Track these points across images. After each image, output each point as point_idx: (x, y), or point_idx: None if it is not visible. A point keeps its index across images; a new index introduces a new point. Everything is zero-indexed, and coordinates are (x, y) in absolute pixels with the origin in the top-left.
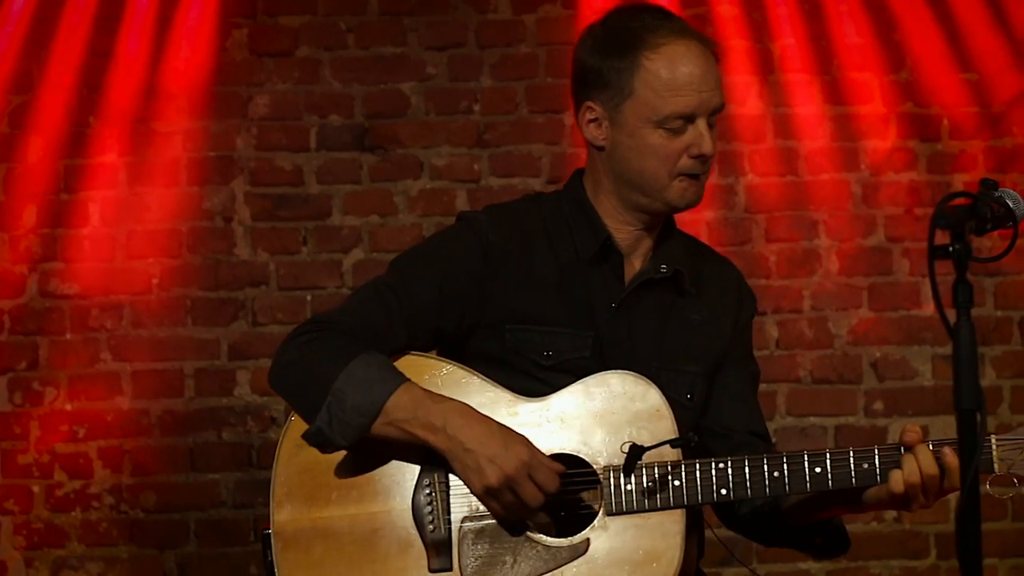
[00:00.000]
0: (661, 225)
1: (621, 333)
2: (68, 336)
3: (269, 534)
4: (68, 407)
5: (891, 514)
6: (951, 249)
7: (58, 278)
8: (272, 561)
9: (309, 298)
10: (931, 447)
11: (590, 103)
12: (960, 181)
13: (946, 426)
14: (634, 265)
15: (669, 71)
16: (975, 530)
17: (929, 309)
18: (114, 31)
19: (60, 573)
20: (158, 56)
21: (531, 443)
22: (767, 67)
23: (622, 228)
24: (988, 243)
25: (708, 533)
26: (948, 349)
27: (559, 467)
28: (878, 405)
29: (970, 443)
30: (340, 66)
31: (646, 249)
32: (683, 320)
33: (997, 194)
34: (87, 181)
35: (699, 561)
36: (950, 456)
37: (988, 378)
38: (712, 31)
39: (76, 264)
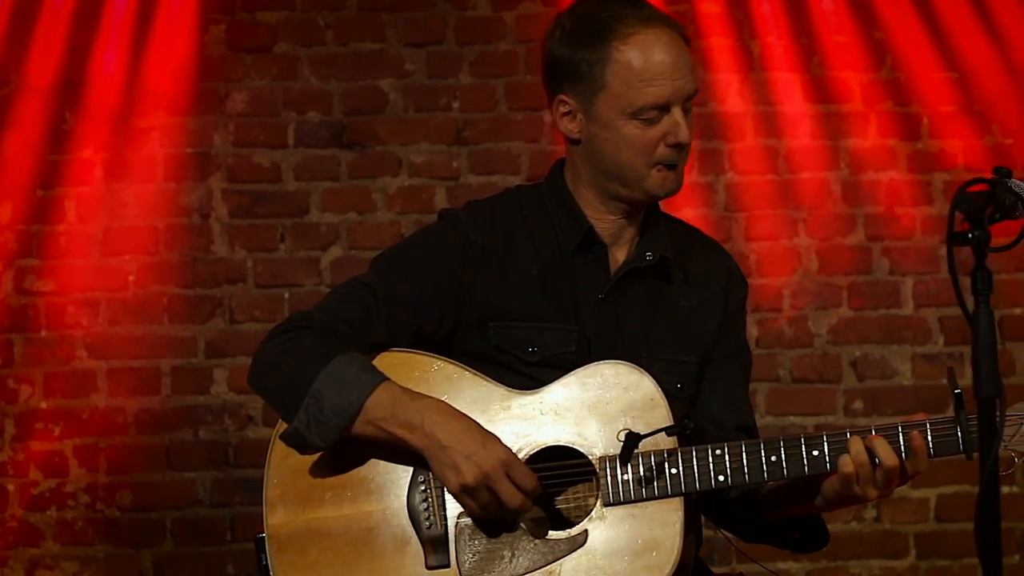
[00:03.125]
0: (644, 212)
1: (609, 325)
2: (44, 333)
3: (263, 537)
4: (43, 405)
5: (871, 514)
6: (971, 236)
7: (34, 275)
8: (266, 565)
9: (287, 295)
10: (900, 430)
11: (563, 96)
12: (940, 180)
13: None
14: (619, 255)
15: (641, 61)
16: (994, 517)
17: (909, 308)
18: (93, 27)
19: (35, 572)
20: (138, 52)
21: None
22: (749, 65)
23: (604, 218)
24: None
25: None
26: (928, 348)
27: (532, 477)
28: (858, 404)
29: (990, 430)
30: (318, 62)
31: (630, 237)
32: (672, 308)
33: (1010, 183)
34: (64, 177)
35: (697, 551)
36: (917, 439)
37: (968, 378)
38: (695, 29)
39: (52, 261)
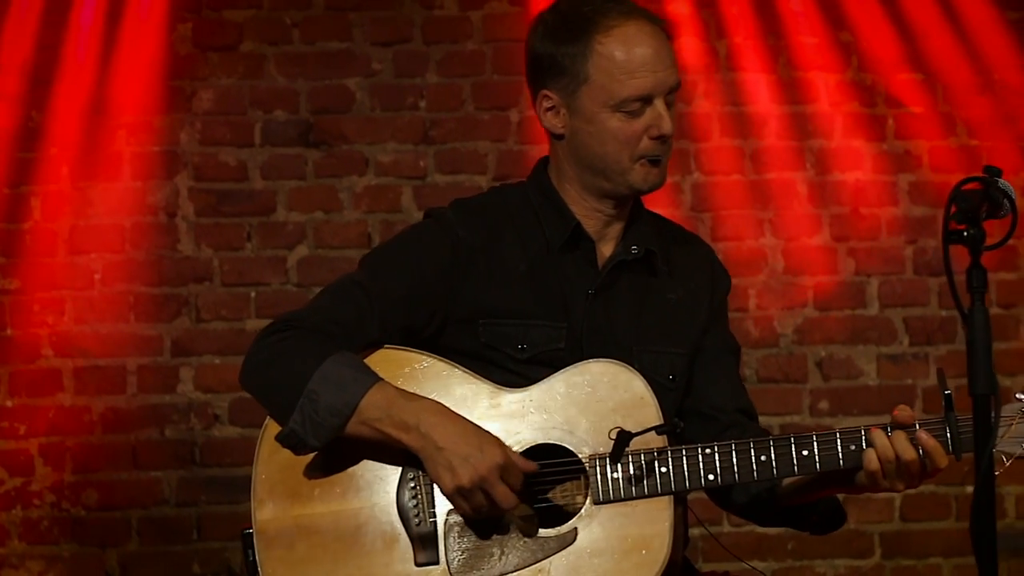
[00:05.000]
0: (630, 207)
1: (599, 319)
2: (9, 332)
3: (251, 533)
4: (9, 403)
5: None
6: (966, 234)
7: None
8: (254, 560)
9: (253, 294)
10: (917, 428)
11: (546, 92)
12: (906, 181)
13: None
14: (605, 250)
15: (623, 53)
16: (990, 515)
17: (874, 309)
18: (61, 25)
19: (0, 571)
20: (106, 51)
21: (505, 445)
22: (716, 65)
23: (590, 214)
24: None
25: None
26: (893, 348)
27: (532, 467)
28: (823, 404)
29: (985, 427)
30: (285, 61)
31: (616, 233)
32: (660, 300)
33: (1000, 182)
34: (29, 176)
35: (685, 549)
36: (926, 438)
37: (932, 378)
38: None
39: (18, 259)
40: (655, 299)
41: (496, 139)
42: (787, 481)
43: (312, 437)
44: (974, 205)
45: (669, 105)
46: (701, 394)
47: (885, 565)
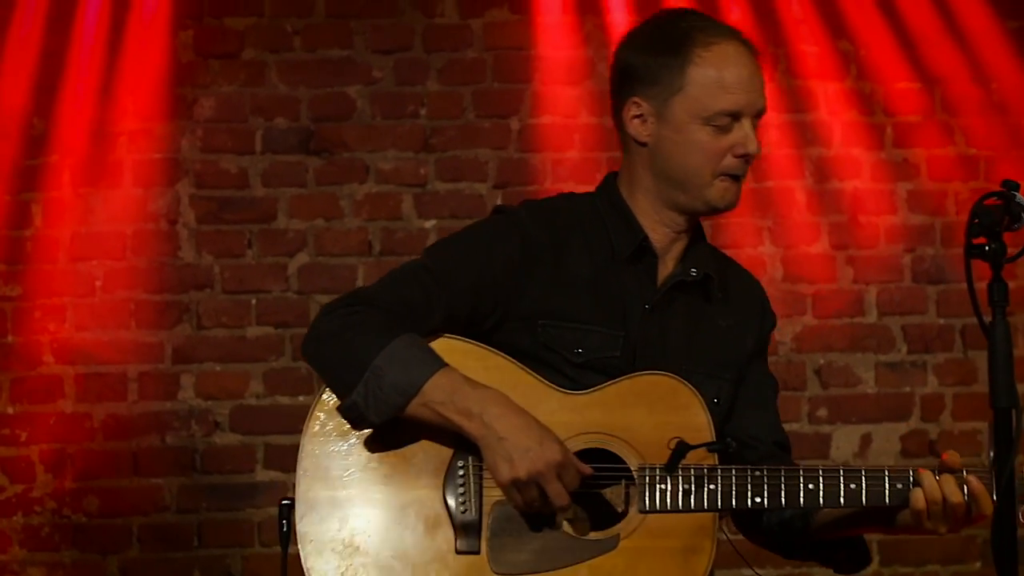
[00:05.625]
0: (693, 229)
1: (653, 334)
2: (10, 339)
3: (289, 503)
4: (10, 410)
5: None
6: (987, 248)
7: (0, 280)
8: (288, 532)
9: (254, 301)
10: (965, 473)
11: (636, 99)
12: (904, 189)
13: (888, 433)
14: (666, 268)
15: (720, 69)
16: (1012, 527)
17: (872, 317)
18: (65, 32)
19: None
20: (111, 58)
21: (564, 444)
22: None
23: (658, 229)
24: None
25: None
26: (891, 356)
27: (588, 470)
28: (822, 412)
29: (1006, 440)
30: (286, 69)
31: (677, 252)
32: (711, 325)
33: (1018, 197)
34: (31, 183)
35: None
36: (975, 483)
37: (930, 385)
38: None
39: (19, 266)
40: (707, 323)
41: (497, 147)
42: (824, 515)
43: (373, 413)
44: (996, 220)
45: (754, 127)
46: (741, 422)
47: (883, 572)
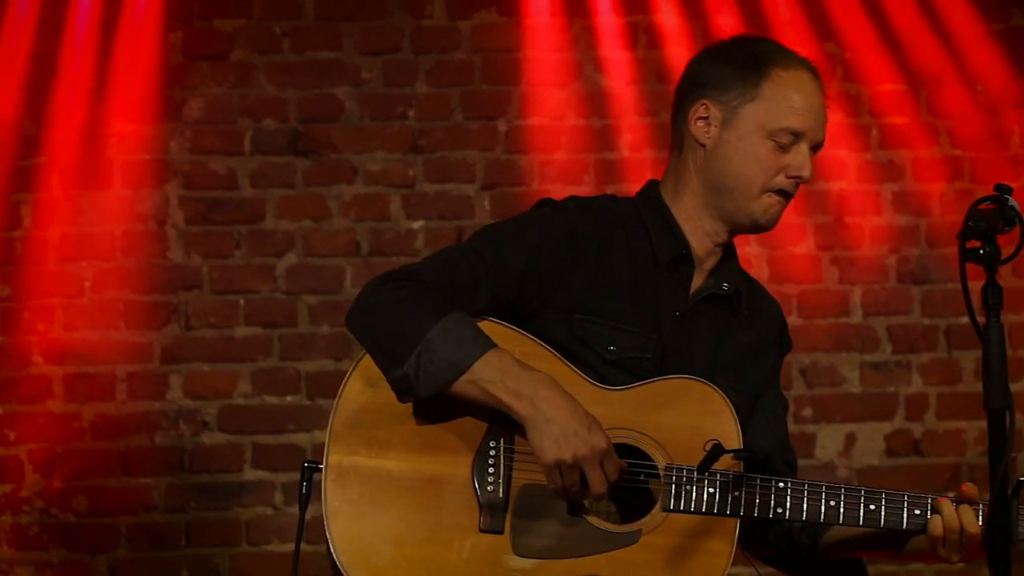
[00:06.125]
0: (727, 247)
1: (682, 342)
2: (0, 339)
3: (312, 466)
4: None
5: None
6: (982, 252)
7: None
8: (307, 494)
9: (242, 302)
10: (982, 507)
11: (705, 102)
12: (889, 191)
13: (873, 432)
14: (698, 279)
15: (794, 91)
16: (1006, 528)
17: (858, 317)
18: (57, 35)
19: None
20: (102, 61)
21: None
22: None
23: (699, 238)
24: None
25: None
26: (876, 356)
27: (623, 464)
28: (807, 411)
29: (1000, 442)
30: (275, 70)
31: (711, 265)
32: (734, 340)
33: (1010, 200)
34: (20, 184)
35: None
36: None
37: (915, 385)
38: (651, 40)
39: (9, 267)
40: (731, 337)
41: (485, 148)
42: (836, 534)
43: (422, 386)
44: (990, 224)
45: (809, 157)
46: (754, 439)
47: (868, 570)
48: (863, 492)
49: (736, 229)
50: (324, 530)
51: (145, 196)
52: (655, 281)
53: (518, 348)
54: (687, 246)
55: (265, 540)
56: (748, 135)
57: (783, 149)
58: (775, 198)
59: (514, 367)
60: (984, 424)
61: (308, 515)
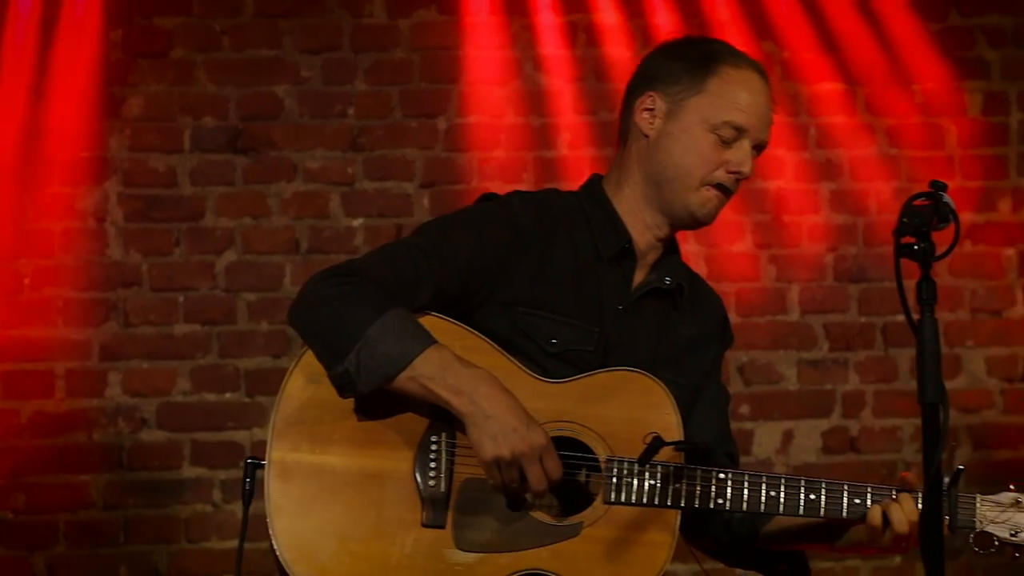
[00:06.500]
0: (669, 241)
1: (624, 335)
2: None
3: (254, 463)
4: None
5: None
6: (917, 248)
7: None
8: (250, 489)
9: (182, 299)
10: (920, 495)
11: (652, 94)
12: (827, 189)
13: (810, 430)
14: (640, 273)
15: (740, 88)
16: (938, 520)
17: (795, 315)
18: None
19: None
20: (41, 58)
21: (546, 431)
22: None
23: (641, 232)
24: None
25: None
26: (813, 354)
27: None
28: (744, 409)
29: (934, 435)
30: (214, 68)
31: (653, 260)
32: (675, 333)
33: (945, 197)
34: None
35: None
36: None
37: (852, 383)
38: (591, 39)
39: None
40: (672, 331)
41: (424, 146)
42: (775, 525)
43: (362, 382)
44: (926, 220)
45: (752, 156)
46: (696, 431)
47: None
48: (803, 482)
49: (676, 222)
50: (267, 527)
51: (85, 193)
52: (598, 275)
53: (460, 343)
54: (630, 240)
55: (204, 537)
56: (691, 127)
57: (725, 144)
58: (713, 192)
59: (454, 363)
60: (920, 421)
61: (251, 511)
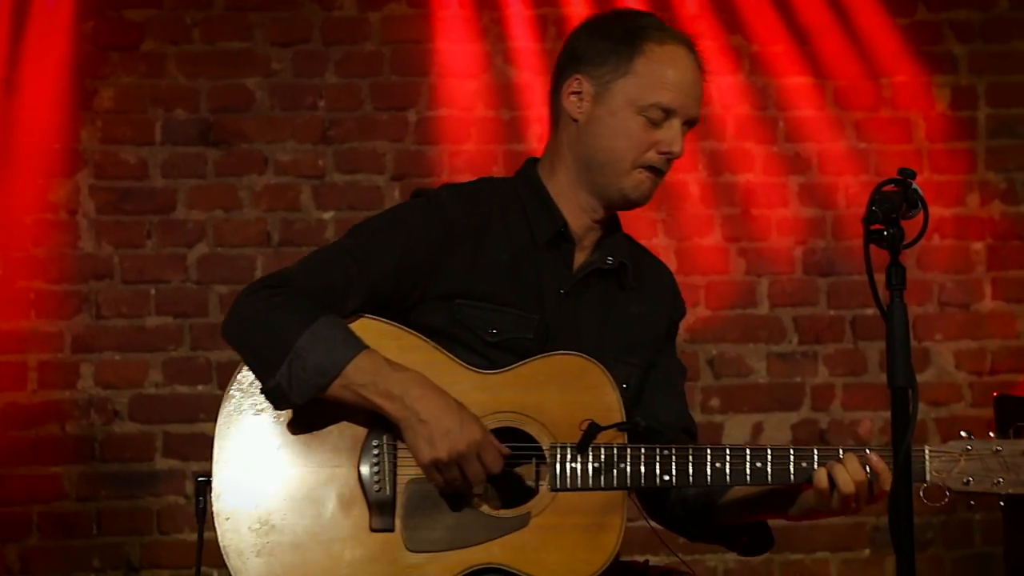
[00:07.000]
0: (609, 217)
1: (567, 319)
2: None
3: (207, 481)
4: None
5: None
6: (886, 234)
7: None
8: (204, 508)
9: (153, 291)
10: (867, 451)
11: (579, 76)
12: (795, 183)
13: (780, 423)
14: (581, 255)
15: (666, 66)
16: (908, 505)
17: (764, 308)
18: None
19: None
20: (12, 50)
21: (483, 424)
22: None
23: (576, 214)
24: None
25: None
26: (782, 347)
27: (505, 450)
28: (714, 402)
29: (903, 420)
30: (185, 60)
31: (593, 240)
32: (623, 312)
33: (914, 185)
34: None
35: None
36: (876, 460)
37: (821, 376)
38: (558, 32)
39: None
40: (619, 310)
41: (394, 139)
42: (728, 499)
43: (296, 394)
44: (895, 206)
45: (683, 134)
46: (649, 409)
47: (774, 559)
48: (748, 450)
49: (610, 205)
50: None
51: (56, 186)
52: (536, 261)
53: (396, 343)
54: (565, 224)
55: (176, 529)
56: (619, 110)
57: (654, 125)
58: (646, 174)
59: (384, 368)
60: (888, 414)
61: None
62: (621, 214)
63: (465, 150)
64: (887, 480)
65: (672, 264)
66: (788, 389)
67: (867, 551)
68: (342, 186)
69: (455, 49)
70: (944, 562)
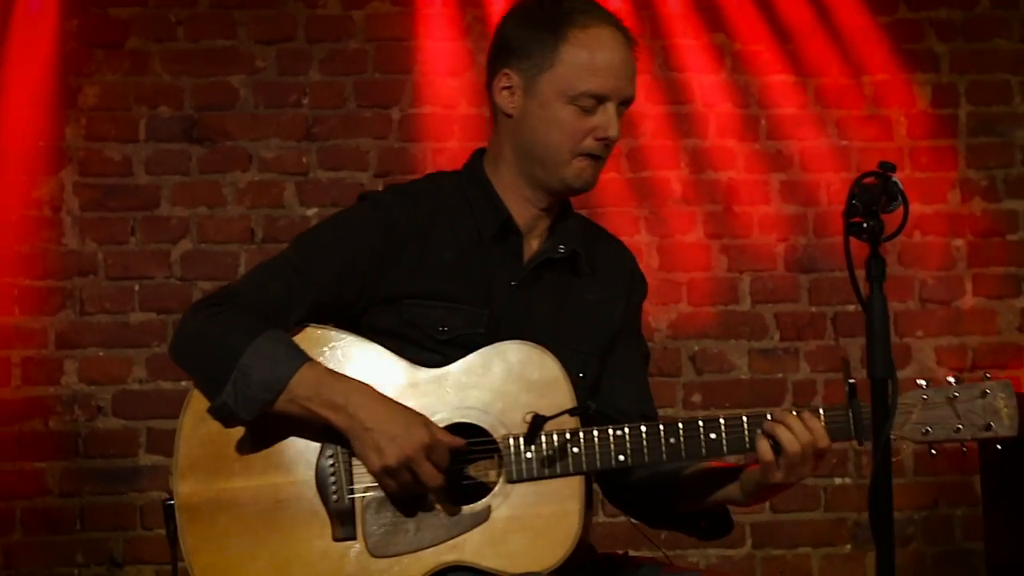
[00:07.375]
0: (558, 205)
1: (519, 311)
2: None
3: (172, 505)
4: None
5: None
6: (866, 226)
7: None
8: (174, 531)
9: (137, 288)
10: (794, 412)
11: (507, 71)
12: (777, 180)
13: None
14: (532, 245)
15: (592, 51)
16: (887, 495)
17: (746, 304)
18: None
19: None
20: None
21: (431, 423)
22: None
23: (522, 205)
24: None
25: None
26: (764, 343)
27: (460, 442)
28: (696, 397)
29: (882, 409)
30: (170, 58)
31: (543, 229)
32: (578, 300)
33: (894, 178)
34: None
35: (588, 532)
36: (811, 419)
37: (802, 372)
38: None
39: None
40: (574, 298)
41: (378, 136)
42: (678, 488)
43: (243, 411)
44: (874, 198)
45: (619, 115)
46: (608, 396)
47: (755, 555)
48: (701, 423)
49: (555, 194)
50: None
51: (40, 182)
52: (484, 256)
53: (342, 350)
54: (509, 216)
55: (159, 524)
56: (549, 102)
57: (588, 112)
58: (586, 161)
59: (327, 379)
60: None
61: None
62: (602, 209)
63: (448, 147)
64: (822, 437)
65: (654, 261)
66: (770, 385)
67: (848, 547)
68: (326, 183)
69: (438, 47)
70: (925, 557)
